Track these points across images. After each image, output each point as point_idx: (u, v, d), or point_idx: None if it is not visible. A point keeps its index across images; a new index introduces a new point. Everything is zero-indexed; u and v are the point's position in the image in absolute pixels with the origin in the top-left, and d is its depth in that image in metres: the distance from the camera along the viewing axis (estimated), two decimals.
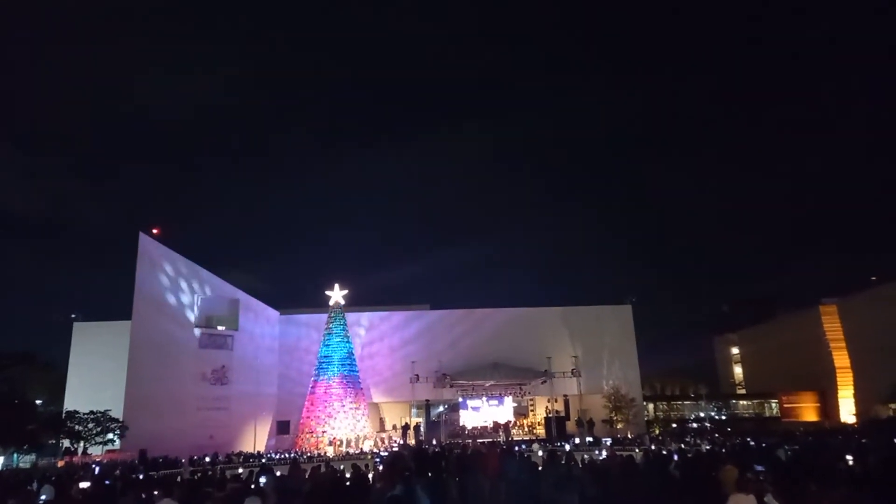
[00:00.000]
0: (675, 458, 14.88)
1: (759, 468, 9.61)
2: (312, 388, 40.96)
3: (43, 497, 12.46)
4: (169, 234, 40.83)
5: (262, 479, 11.70)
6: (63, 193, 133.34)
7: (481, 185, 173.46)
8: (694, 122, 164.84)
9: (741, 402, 60.85)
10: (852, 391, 56.14)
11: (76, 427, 33.88)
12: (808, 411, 58.29)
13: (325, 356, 41.29)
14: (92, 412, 34.24)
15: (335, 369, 40.61)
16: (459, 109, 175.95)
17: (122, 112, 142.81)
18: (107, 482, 15.03)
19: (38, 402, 42.95)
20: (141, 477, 19.26)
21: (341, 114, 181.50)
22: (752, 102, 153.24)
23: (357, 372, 42.04)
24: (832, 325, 59.07)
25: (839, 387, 57.16)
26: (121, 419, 34.39)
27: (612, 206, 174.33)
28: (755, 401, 60.43)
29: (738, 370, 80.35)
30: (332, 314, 42.25)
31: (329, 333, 41.79)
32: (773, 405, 58.59)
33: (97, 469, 23.96)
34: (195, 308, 41.14)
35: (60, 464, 30.39)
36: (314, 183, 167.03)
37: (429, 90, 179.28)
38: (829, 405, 57.69)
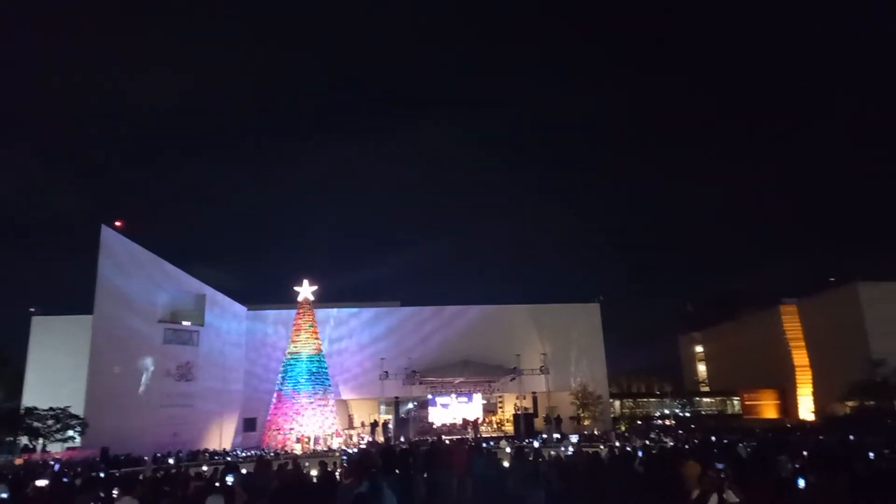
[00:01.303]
0: (640, 454, 15.14)
1: (720, 465, 9.80)
2: (280, 384, 40.57)
3: (3, 495, 12.13)
4: (133, 227, 39.89)
5: (229, 478, 11.55)
6: (23, 183, 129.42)
7: (452, 182, 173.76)
8: (663, 124, 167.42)
9: (704, 400, 62.13)
10: (811, 389, 57.74)
11: (35, 424, 33.02)
12: (769, 409, 59.81)
13: (292, 353, 40.92)
14: (51, 409, 33.40)
15: (303, 366, 40.28)
16: (430, 106, 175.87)
17: (87, 100, 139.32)
18: (65, 480, 14.66)
19: None
20: (102, 475, 18.83)
21: (312, 107, 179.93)
22: (721, 103, 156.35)
23: (326, 368, 41.77)
24: (792, 325, 60.67)
25: (798, 385, 58.76)
26: (82, 416, 33.65)
27: (582, 206, 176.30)
28: (718, 398, 61.75)
29: (702, 368, 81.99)
30: (301, 310, 41.89)
31: (297, 330, 41.42)
32: (735, 402, 59.98)
33: (56, 467, 23.40)
34: (159, 303, 40.43)
35: (18, 461, 29.63)
36: (284, 177, 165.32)
37: (399, 86, 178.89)
38: (788, 403, 59.28)
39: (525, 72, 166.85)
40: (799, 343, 59.54)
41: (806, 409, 56.58)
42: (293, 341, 41.32)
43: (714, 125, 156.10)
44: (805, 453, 13.28)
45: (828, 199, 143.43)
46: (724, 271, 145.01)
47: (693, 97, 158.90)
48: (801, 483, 7.92)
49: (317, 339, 41.85)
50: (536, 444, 28.06)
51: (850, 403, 45.46)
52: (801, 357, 59.25)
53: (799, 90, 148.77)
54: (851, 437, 22.29)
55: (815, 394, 56.92)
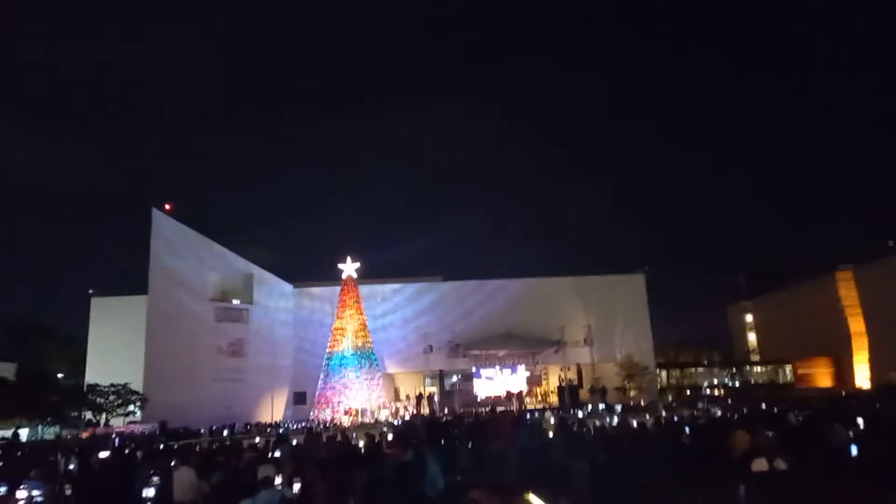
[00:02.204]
0: (687, 430, 14.89)
1: (769, 433, 9.62)
2: (327, 359, 41.42)
3: (70, 467, 12.87)
4: (181, 209, 41.09)
5: (277, 452, 11.93)
6: (78, 169, 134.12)
7: (494, 153, 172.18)
8: (712, 90, 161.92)
9: (755, 369, 60.82)
10: (867, 357, 55.89)
11: (98, 399, 34.68)
12: (823, 377, 58.23)
13: (339, 328, 41.64)
14: (112, 385, 35.01)
15: (349, 341, 40.98)
16: (473, 75, 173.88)
17: (132, 84, 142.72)
18: (126, 452, 15.38)
19: (59, 375, 43.91)
20: (161, 447, 19.69)
21: (353, 83, 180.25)
22: (774, 71, 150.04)
23: (371, 343, 42.42)
24: (848, 292, 58.58)
25: (854, 352, 56.92)
26: (141, 391, 35.14)
27: (626, 175, 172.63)
28: (768, 367, 60.37)
29: (752, 338, 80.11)
30: (345, 287, 42.49)
31: (343, 306, 42.06)
32: (787, 371, 58.54)
33: (117, 440, 24.53)
34: (209, 282, 41.66)
35: (84, 435, 31.20)
36: (326, 156, 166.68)
37: (441, 55, 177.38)
38: (843, 371, 57.56)
39: (562, 45, 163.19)
40: (855, 310, 57.52)
41: (862, 377, 54.87)
42: (339, 317, 42.00)
43: (768, 95, 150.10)
44: (860, 420, 12.86)
45: (887, 163, 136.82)
46: (776, 240, 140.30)
47: (745, 66, 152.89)
48: (854, 451, 7.70)
49: (361, 314, 42.44)
50: (581, 415, 28.01)
51: None
52: (857, 324, 57.27)
53: (843, 52, 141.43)
54: None
55: (871, 361, 55.08)
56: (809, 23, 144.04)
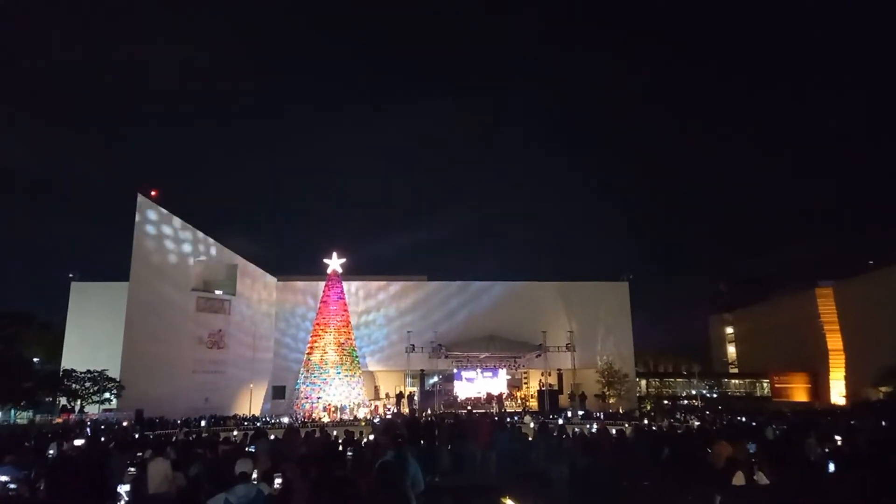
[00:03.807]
0: (666, 439, 14.96)
1: (750, 446, 9.70)
2: (308, 354, 41.20)
3: (50, 452, 12.71)
4: (167, 196, 40.64)
5: (251, 448, 11.81)
6: (59, 151, 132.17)
7: (481, 155, 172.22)
8: (697, 99, 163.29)
9: (733, 381, 61.47)
10: (844, 373, 56.63)
11: (73, 386, 34.19)
12: (799, 392, 58.90)
13: (321, 323, 41.44)
14: (89, 371, 34.52)
15: (331, 336, 40.79)
16: (459, 76, 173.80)
17: (121, 69, 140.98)
18: (101, 440, 15.17)
19: (35, 360, 43.23)
20: (136, 436, 19.45)
21: (344, 79, 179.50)
22: (758, 81, 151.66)
23: (353, 340, 42.27)
24: (827, 308, 59.32)
25: (831, 368, 57.65)
26: (118, 379, 34.71)
27: (612, 182, 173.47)
28: (746, 380, 61.01)
29: (731, 349, 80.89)
30: (330, 282, 42.30)
31: (326, 301, 41.87)
32: (765, 385, 59.19)
33: (89, 429, 24.20)
34: (192, 272, 41.26)
35: (58, 421, 30.76)
36: (315, 150, 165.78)
37: (429, 54, 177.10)
38: (819, 386, 58.25)
39: (547, 47, 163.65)
40: (833, 326, 58.26)
41: (837, 393, 55.58)
42: (322, 312, 41.81)
43: (753, 106, 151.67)
44: (838, 438, 13.02)
45: (869, 181, 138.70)
46: (758, 253, 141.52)
47: (729, 77, 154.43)
48: (832, 467, 7.76)
49: (345, 310, 42.28)
50: (560, 421, 28.13)
51: (884, 388, 44.48)
52: (834, 341, 58.01)
53: (829, 69, 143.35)
54: (884, 423, 21.88)
55: (847, 378, 55.81)
56: (798, 33, 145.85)
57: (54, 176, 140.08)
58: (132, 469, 10.21)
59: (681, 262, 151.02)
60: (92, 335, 42.79)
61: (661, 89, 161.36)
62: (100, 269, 69.46)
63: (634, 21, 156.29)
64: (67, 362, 39.63)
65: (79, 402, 34.28)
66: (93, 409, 34.38)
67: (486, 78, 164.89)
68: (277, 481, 7.44)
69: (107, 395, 34.58)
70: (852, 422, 23.52)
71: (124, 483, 9.43)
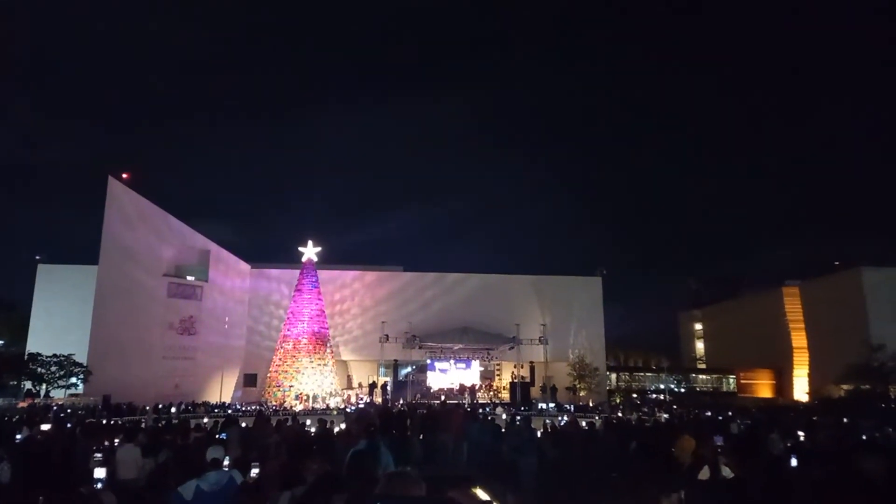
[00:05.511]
0: (634, 432, 15.23)
1: (718, 440, 9.92)
2: (281, 342, 40.94)
3: (18, 436, 12.47)
4: (140, 179, 39.82)
5: (222, 436, 11.74)
6: (30, 132, 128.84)
7: (459, 150, 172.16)
8: (673, 101, 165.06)
9: (700, 377, 62.56)
10: (807, 371, 58.06)
11: (38, 370, 33.45)
12: (764, 388, 60.23)
13: (294, 312, 41.17)
14: (55, 355, 33.77)
15: (304, 325, 40.55)
16: (438, 71, 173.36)
17: (96, 49, 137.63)
18: (68, 425, 14.94)
19: None
20: (103, 422, 19.17)
21: (322, 68, 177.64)
22: (734, 86, 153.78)
23: (327, 329, 42.08)
24: (793, 307, 60.68)
25: (795, 366, 59.05)
26: (85, 364, 34.05)
27: (587, 179, 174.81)
28: (714, 376, 62.18)
29: (699, 345, 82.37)
30: (304, 270, 42.00)
31: (300, 289, 41.58)
32: (731, 381, 60.39)
33: (58, 412, 23.80)
34: (164, 257, 40.62)
35: (22, 405, 30.12)
36: (293, 137, 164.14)
37: (406, 49, 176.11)
38: (784, 383, 59.66)
39: (525, 47, 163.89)
40: (799, 325, 59.65)
41: (801, 390, 56.96)
42: (295, 301, 41.52)
43: (721, 108, 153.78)
44: (801, 434, 13.38)
45: (835, 185, 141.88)
46: (728, 252, 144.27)
47: (699, 78, 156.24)
48: (794, 462, 7.99)
49: (319, 299, 42.05)
50: (531, 413, 28.42)
51: (846, 386, 45.71)
52: (799, 339, 59.42)
53: (808, 76, 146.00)
54: (845, 420, 22.49)
55: (810, 375, 57.25)
56: (781, 39, 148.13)
57: (23, 158, 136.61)
58: (98, 455, 10.06)
59: (653, 260, 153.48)
60: (59, 318, 41.95)
61: (637, 91, 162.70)
62: (68, 253, 67.99)
63: (608, 24, 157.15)
64: (33, 345, 38.73)
65: (44, 386, 33.58)
66: (59, 394, 33.75)
67: (462, 75, 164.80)
68: (255, 471, 7.40)
69: (73, 379, 33.94)
70: (814, 418, 24.15)
71: (90, 468, 9.30)
